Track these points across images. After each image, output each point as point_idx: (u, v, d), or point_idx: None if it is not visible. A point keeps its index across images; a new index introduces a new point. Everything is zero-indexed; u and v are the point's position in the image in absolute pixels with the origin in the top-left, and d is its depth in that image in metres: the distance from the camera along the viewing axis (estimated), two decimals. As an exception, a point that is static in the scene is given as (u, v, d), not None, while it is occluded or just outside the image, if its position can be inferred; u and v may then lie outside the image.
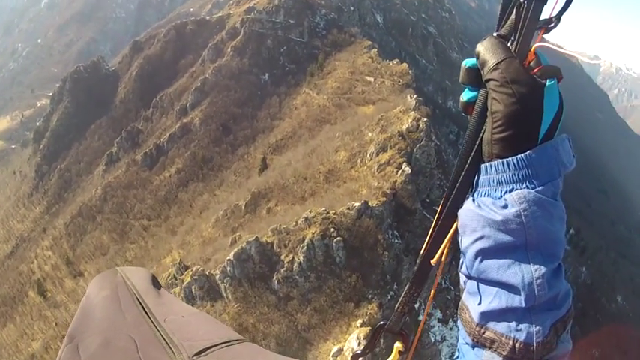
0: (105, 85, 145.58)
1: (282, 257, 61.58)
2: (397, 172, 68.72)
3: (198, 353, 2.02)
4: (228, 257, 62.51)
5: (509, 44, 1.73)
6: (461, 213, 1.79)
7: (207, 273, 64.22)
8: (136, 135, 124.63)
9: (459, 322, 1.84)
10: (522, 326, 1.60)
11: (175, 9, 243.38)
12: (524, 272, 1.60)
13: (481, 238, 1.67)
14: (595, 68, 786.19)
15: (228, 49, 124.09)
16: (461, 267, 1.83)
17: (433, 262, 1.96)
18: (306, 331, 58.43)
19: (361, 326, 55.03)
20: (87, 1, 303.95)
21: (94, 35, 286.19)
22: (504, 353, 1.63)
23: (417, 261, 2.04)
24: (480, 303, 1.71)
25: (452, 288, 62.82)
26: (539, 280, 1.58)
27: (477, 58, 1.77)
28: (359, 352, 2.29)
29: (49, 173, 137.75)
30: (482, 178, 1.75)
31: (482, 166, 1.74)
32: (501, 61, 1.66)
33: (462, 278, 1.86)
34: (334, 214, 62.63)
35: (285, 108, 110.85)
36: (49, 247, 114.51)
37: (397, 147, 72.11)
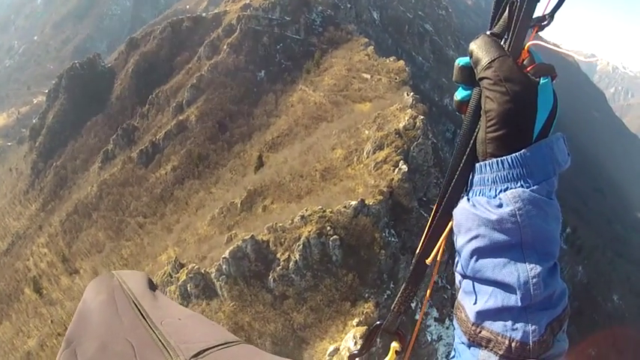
0: (101, 82, 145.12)
1: (278, 256, 61.27)
2: (394, 170, 68.47)
3: (195, 356, 2.01)
4: (223, 255, 62.23)
5: (502, 42, 1.73)
6: (456, 212, 1.79)
7: (202, 271, 63.92)
8: (131, 132, 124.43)
9: (454, 322, 1.86)
10: (518, 325, 1.60)
11: (171, 6, 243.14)
12: (519, 271, 1.60)
13: (476, 237, 1.68)
14: (592, 67, 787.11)
15: (225, 46, 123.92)
16: (456, 266, 1.85)
17: (429, 261, 1.98)
18: (302, 330, 58.19)
19: (357, 325, 54.79)
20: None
21: (90, 32, 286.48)
22: (500, 352, 1.63)
23: (413, 260, 2.07)
24: (475, 302, 1.72)
25: (448, 287, 62.68)
26: (534, 280, 1.59)
27: (471, 57, 1.77)
28: (355, 352, 2.28)
29: (45, 170, 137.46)
30: (476, 177, 1.75)
31: (477, 165, 1.75)
32: (495, 59, 1.66)
33: (458, 278, 1.87)
34: (330, 212, 62.36)
35: (281, 105, 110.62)
36: (45, 245, 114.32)
37: (394, 145, 71.82)
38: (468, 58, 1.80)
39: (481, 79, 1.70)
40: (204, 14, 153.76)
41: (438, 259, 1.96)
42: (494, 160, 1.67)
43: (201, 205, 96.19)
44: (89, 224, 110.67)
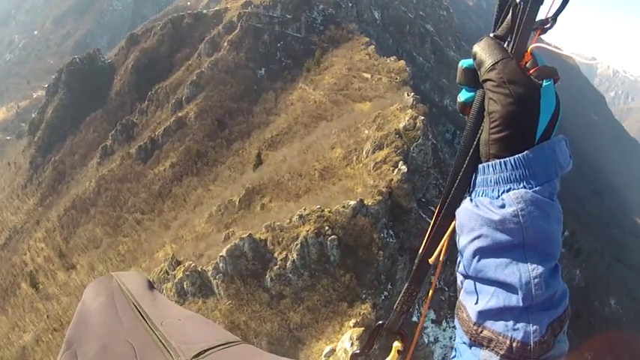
0: (101, 77, 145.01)
1: (275, 255, 61.10)
2: (393, 170, 68.26)
3: (197, 356, 2.03)
4: (221, 254, 62.04)
5: (505, 45, 1.75)
6: (459, 212, 1.81)
7: (199, 269, 63.70)
8: (130, 128, 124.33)
9: (456, 322, 1.87)
10: (520, 325, 1.61)
11: (172, 2, 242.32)
12: (521, 272, 1.61)
13: (479, 237, 1.69)
14: (592, 70, 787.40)
15: (225, 43, 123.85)
16: (458, 266, 1.85)
17: (431, 261, 1.99)
18: (299, 330, 58.01)
19: (354, 326, 54.62)
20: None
21: (90, 27, 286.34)
22: (502, 352, 1.63)
23: (416, 260, 2.06)
24: (477, 302, 1.73)
25: (446, 289, 62.53)
26: (536, 280, 1.60)
27: (474, 59, 1.78)
28: (358, 351, 2.28)
29: (44, 165, 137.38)
30: (479, 178, 1.76)
31: (480, 166, 1.76)
32: (498, 61, 1.68)
33: (459, 278, 1.88)
34: (329, 212, 62.18)
35: (281, 103, 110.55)
36: (42, 239, 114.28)
37: (393, 145, 71.61)
38: (471, 60, 1.82)
39: (485, 80, 1.71)
40: (205, 11, 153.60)
41: (441, 259, 1.98)
42: (497, 161, 1.68)
43: (199, 203, 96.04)
44: (87, 220, 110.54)
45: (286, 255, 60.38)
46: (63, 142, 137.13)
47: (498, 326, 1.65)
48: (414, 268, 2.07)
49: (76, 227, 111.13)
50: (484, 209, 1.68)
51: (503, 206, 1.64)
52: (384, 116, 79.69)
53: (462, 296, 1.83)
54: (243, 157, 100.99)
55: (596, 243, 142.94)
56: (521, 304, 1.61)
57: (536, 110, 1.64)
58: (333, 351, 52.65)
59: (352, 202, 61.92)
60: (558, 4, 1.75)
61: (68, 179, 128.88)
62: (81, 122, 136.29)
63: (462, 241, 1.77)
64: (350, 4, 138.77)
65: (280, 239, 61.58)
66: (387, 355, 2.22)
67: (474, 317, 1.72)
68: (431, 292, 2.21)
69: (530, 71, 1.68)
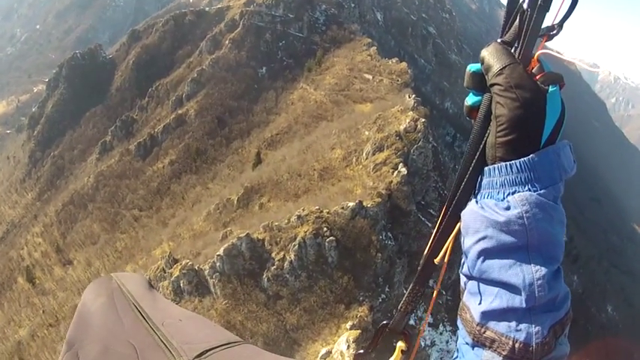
0: (101, 72, 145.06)
1: (273, 255, 60.82)
2: (393, 172, 68.05)
3: (199, 356, 2.05)
4: (218, 253, 61.77)
5: (512, 50, 1.77)
6: (464, 214, 1.83)
7: (196, 268, 63.43)
8: (130, 124, 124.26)
9: (459, 322, 1.87)
10: (522, 326, 1.63)
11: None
12: (525, 273, 1.63)
13: (484, 238, 1.71)
14: (593, 76, 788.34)
15: (227, 42, 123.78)
16: (462, 268, 1.88)
17: (437, 260, 2.01)
18: (295, 331, 57.77)
19: (351, 329, 54.32)
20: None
21: (92, 23, 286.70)
22: (504, 353, 1.65)
23: (421, 261, 2.09)
24: (480, 303, 1.75)
25: (443, 292, 62.36)
26: (539, 281, 1.61)
27: (482, 63, 1.81)
28: (361, 351, 2.31)
29: (43, 159, 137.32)
30: (485, 181, 1.79)
31: (486, 168, 1.79)
32: (506, 66, 1.70)
33: (463, 279, 1.90)
34: (328, 213, 61.92)
35: (281, 103, 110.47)
36: (40, 234, 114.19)
37: (394, 147, 71.43)
38: (479, 64, 1.85)
39: (492, 85, 1.74)
40: (207, 8, 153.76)
41: (446, 260, 2.00)
42: (503, 163, 1.70)
43: (197, 201, 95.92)
44: (84, 215, 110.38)
45: (284, 255, 60.10)
46: (62, 137, 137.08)
47: (501, 327, 1.67)
48: (419, 268, 2.09)
49: (73, 223, 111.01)
50: (489, 211, 1.70)
51: (508, 208, 1.66)
52: (384, 118, 79.54)
53: (466, 297, 1.85)
54: (243, 155, 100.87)
55: (594, 249, 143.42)
56: (524, 305, 1.63)
57: (542, 115, 1.66)
58: (329, 353, 52.32)
59: (351, 204, 61.67)
60: (564, 11, 1.75)
61: (67, 174, 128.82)
62: (81, 117, 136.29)
63: (466, 242, 1.79)
64: (352, 5, 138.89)
65: (278, 239, 61.34)
66: (391, 355, 2.24)
67: (477, 318, 1.73)
68: (435, 292, 2.22)
69: (537, 77, 1.70)
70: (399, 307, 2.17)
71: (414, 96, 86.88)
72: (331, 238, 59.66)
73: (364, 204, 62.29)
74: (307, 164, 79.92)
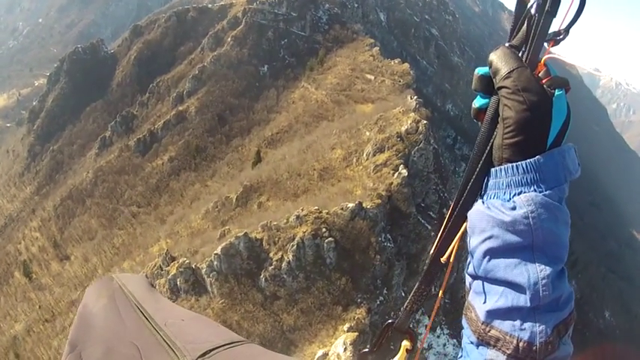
0: (103, 67, 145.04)
1: (270, 255, 60.40)
2: (393, 174, 67.75)
3: (202, 355, 2.07)
4: (215, 251, 61.36)
5: (520, 54, 1.82)
6: (471, 214, 1.86)
7: (193, 266, 63.04)
8: (130, 120, 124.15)
9: (463, 322, 1.91)
10: (526, 326, 1.66)
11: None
12: (529, 272, 1.66)
13: (490, 237, 1.74)
14: (595, 81, 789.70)
15: (229, 39, 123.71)
16: (467, 268, 1.91)
17: (443, 259, 2.03)
18: (292, 332, 57.39)
19: (348, 331, 53.96)
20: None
21: (95, 18, 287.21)
22: (508, 352, 1.68)
23: (427, 261, 2.12)
24: (485, 302, 1.78)
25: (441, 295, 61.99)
26: (544, 281, 1.65)
27: (490, 67, 1.85)
28: (366, 350, 2.34)
29: (42, 154, 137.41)
30: (491, 182, 1.83)
31: (493, 169, 1.83)
32: (513, 70, 1.75)
33: (468, 280, 1.93)
34: (327, 213, 61.53)
35: (282, 101, 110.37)
36: (37, 229, 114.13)
37: (395, 148, 71.17)
38: (487, 67, 1.89)
39: (500, 88, 1.78)
40: (210, 5, 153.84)
41: (451, 260, 2.03)
42: (510, 165, 1.75)
43: (196, 198, 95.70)
44: (82, 210, 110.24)
45: (282, 255, 59.70)
46: (62, 132, 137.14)
47: (506, 326, 1.70)
48: (425, 268, 2.11)
49: (71, 218, 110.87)
50: (495, 211, 1.74)
51: (514, 208, 1.70)
52: (386, 119, 79.25)
53: (471, 297, 1.88)
54: (243, 154, 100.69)
55: (592, 254, 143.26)
56: (528, 304, 1.66)
57: (548, 118, 1.71)
58: (325, 355, 51.97)
59: (351, 205, 61.32)
60: (570, 17, 1.80)
61: (66, 169, 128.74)
62: (81, 112, 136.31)
63: (473, 241, 1.82)
64: (356, 5, 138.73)
65: (276, 239, 60.94)
66: (396, 354, 2.26)
67: (482, 317, 1.77)
68: (441, 292, 2.18)
69: (543, 80, 1.74)
70: (404, 307, 2.19)
71: (415, 97, 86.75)
72: (330, 239, 59.30)
73: (364, 205, 61.96)
74: (307, 164, 79.63)
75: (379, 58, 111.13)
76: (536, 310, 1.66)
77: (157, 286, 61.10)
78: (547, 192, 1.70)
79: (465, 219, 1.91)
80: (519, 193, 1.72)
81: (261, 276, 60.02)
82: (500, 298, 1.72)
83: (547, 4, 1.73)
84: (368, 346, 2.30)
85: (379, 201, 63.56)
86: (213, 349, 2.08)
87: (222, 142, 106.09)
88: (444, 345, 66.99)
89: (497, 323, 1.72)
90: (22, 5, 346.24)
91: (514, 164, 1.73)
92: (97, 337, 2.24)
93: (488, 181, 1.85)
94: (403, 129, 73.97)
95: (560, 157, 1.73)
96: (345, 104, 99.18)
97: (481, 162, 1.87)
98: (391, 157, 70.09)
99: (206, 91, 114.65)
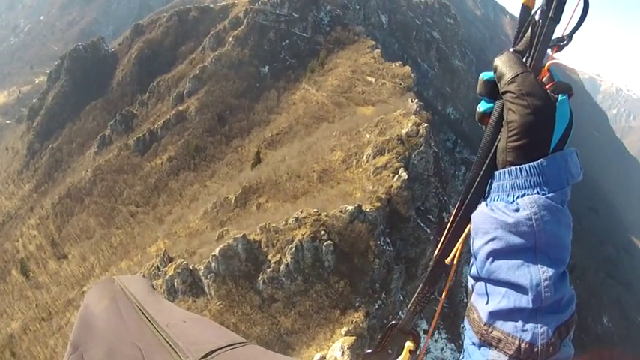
0: (103, 66, 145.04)
1: (269, 257, 60.15)
2: (393, 177, 67.57)
3: (205, 356, 2.09)
4: (213, 253, 61.12)
5: (524, 60, 1.85)
6: (474, 216, 1.89)
7: (191, 267, 62.80)
8: (130, 119, 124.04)
9: (466, 323, 1.92)
10: (528, 326, 1.68)
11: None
12: (532, 273, 1.69)
13: (493, 239, 1.77)
14: (595, 87, 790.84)
15: (230, 39, 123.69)
16: (470, 270, 1.94)
17: (448, 260, 2.06)
18: (289, 335, 57.15)
19: (346, 335, 53.76)
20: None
21: (96, 16, 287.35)
22: (510, 353, 1.70)
23: (431, 262, 2.13)
24: (487, 303, 1.80)
25: (439, 298, 61.54)
26: (546, 282, 1.67)
27: (495, 71, 1.88)
28: (370, 351, 2.35)
29: (41, 151, 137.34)
30: (495, 184, 1.85)
31: (497, 172, 1.85)
32: (518, 74, 1.78)
33: (471, 281, 1.96)
34: (326, 216, 61.30)
35: (282, 102, 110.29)
36: (35, 227, 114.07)
37: (395, 151, 70.97)
38: (491, 72, 1.92)
39: (504, 92, 1.81)
40: (211, 5, 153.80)
41: (455, 261, 2.06)
42: (513, 167, 1.77)
43: (194, 198, 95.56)
44: (81, 209, 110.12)
45: (280, 258, 59.44)
46: (61, 130, 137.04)
47: (508, 327, 1.72)
48: (429, 269, 2.13)
49: (69, 216, 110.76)
50: (499, 213, 1.77)
51: (517, 210, 1.73)
52: (386, 121, 79.09)
53: (474, 298, 1.90)
54: (242, 154, 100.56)
55: (590, 260, 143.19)
56: (530, 305, 1.68)
57: (552, 122, 1.75)
58: (323, 358, 51.76)
59: (350, 208, 61.10)
60: (574, 24, 1.84)
61: (65, 167, 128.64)
62: (81, 110, 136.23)
63: (476, 243, 1.85)
64: (358, 7, 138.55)
65: (275, 241, 60.71)
66: (400, 355, 2.26)
67: (484, 317, 1.79)
68: (444, 293, 2.25)
69: (547, 85, 1.78)
70: (407, 307, 2.21)
71: (416, 100, 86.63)
72: (329, 241, 59.06)
73: (363, 208, 61.74)
74: (307, 166, 79.39)
75: (380, 61, 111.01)
76: (538, 312, 1.68)
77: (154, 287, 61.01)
78: (550, 195, 1.72)
79: (468, 221, 1.94)
80: (522, 196, 1.74)
81: (259, 278, 59.81)
82: (502, 299, 1.74)
83: (551, 11, 1.77)
84: (368, 349, 2.30)
85: (379, 204, 63.35)
86: (216, 350, 2.10)
87: (221, 142, 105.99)
88: (442, 349, 66.85)
89: (499, 324, 1.74)
90: (23, 2, 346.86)
91: (518, 167, 1.76)
92: (99, 338, 2.25)
93: (491, 184, 1.88)
94: (404, 132, 73.79)
95: (562, 161, 1.76)
96: (346, 106, 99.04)
97: (485, 165, 1.90)
98: (391, 160, 69.89)
99: (206, 91, 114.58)
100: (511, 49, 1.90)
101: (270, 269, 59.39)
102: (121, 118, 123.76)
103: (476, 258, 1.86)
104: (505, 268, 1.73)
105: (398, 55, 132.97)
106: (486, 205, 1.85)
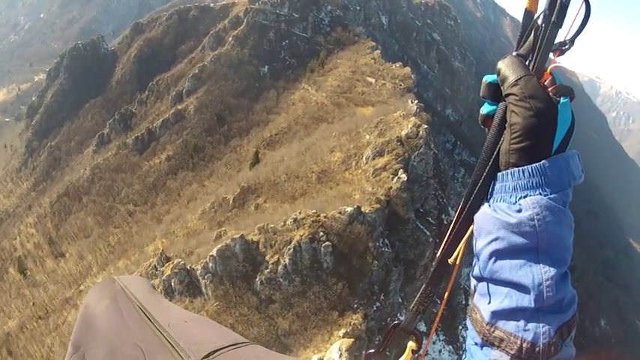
0: (102, 64, 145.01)
1: (267, 258, 59.83)
2: (393, 178, 67.30)
3: (207, 356, 2.10)
4: (211, 253, 60.79)
5: (527, 63, 1.89)
6: (477, 217, 1.92)
7: (188, 267, 62.51)
8: (129, 118, 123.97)
9: (468, 323, 1.95)
10: (530, 326, 1.69)
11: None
12: (534, 273, 1.70)
13: (496, 239, 1.79)
14: (595, 89, 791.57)
15: (230, 38, 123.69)
16: (472, 270, 1.96)
17: (451, 260, 2.08)
18: (286, 336, 56.85)
19: (344, 337, 53.39)
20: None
21: (96, 14, 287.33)
22: (512, 352, 1.71)
23: (433, 262, 2.16)
24: (490, 302, 1.82)
25: (438, 301, 61.12)
26: (548, 282, 1.68)
27: (498, 74, 1.92)
28: (372, 351, 2.37)
29: (39, 149, 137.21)
30: (498, 185, 1.89)
31: (499, 173, 1.89)
32: (521, 77, 1.82)
33: (473, 282, 1.99)
34: (325, 217, 61.01)
35: (282, 102, 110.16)
36: (33, 225, 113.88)
37: (394, 152, 70.70)
38: (495, 75, 1.96)
39: (507, 95, 1.85)
40: (212, 4, 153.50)
41: (457, 262, 2.08)
42: (516, 169, 1.81)
43: (192, 198, 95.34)
44: (79, 208, 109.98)
45: (278, 259, 59.14)
46: (60, 128, 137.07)
47: (510, 326, 1.73)
48: (432, 269, 2.14)
49: (67, 215, 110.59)
50: (502, 213, 1.79)
51: (520, 210, 1.75)
52: (386, 122, 78.90)
53: (476, 298, 1.92)
54: (241, 154, 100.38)
55: (589, 262, 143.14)
56: (532, 305, 1.69)
57: (554, 124, 1.78)
58: (320, 360, 51.61)
59: (349, 209, 60.82)
60: (576, 28, 1.89)
61: (63, 165, 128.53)
62: (80, 109, 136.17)
63: (479, 243, 1.88)
64: (358, 8, 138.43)
65: (273, 242, 60.40)
66: (402, 355, 2.28)
67: (487, 317, 1.81)
68: (446, 294, 2.26)
69: (549, 89, 1.82)
70: (410, 307, 2.21)
71: (416, 101, 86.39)
72: (327, 243, 58.77)
73: (362, 209, 61.43)
74: (306, 166, 79.16)
75: (380, 62, 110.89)
76: (540, 312, 1.69)
77: (151, 287, 60.74)
78: (552, 196, 1.75)
79: (471, 222, 1.96)
80: (525, 197, 1.77)
81: (257, 279, 59.49)
82: (504, 299, 1.76)
83: (553, 16, 1.81)
84: (371, 350, 2.32)
85: (378, 205, 63.05)
86: (218, 350, 2.11)
87: (220, 142, 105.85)
88: (440, 351, 66.61)
89: (501, 324, 1.75)
90: (24, 0, 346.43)
91: (520, 168, 1.79)
92: (100, 338, 2.26)
93: (494, 185, 1.91)
94: (403, 133, 73.59)
95: (564, 163, 1.79)
96: (345, 107, 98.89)
97: (488, 166, 1.92)
98: (391, 162, 69.63)
99: (205, 91, 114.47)
100: (514, 53, 1.93)
101: (268, 270, 59.09)
102: (120, 117, 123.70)
103: (478, 258, 1.88)
104: (507, 268, 1.75)
105: (398, 56, 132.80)
106: (489, 205, 1.87)
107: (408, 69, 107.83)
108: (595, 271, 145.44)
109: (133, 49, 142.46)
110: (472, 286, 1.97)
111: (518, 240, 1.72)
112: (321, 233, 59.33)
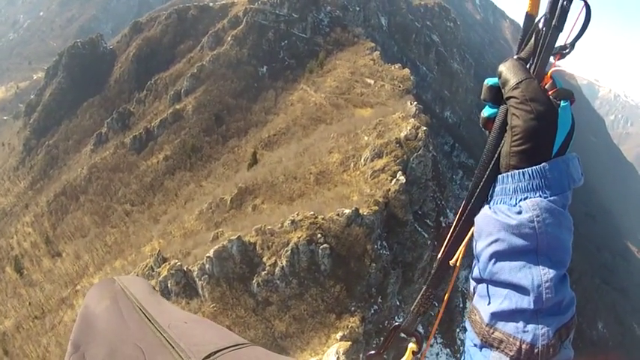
0: (101, 63, 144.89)
1: (264, 259, 59.45)
2: (391, 180, 66.98)
3: (207, 357, 2.10)
4: (208, 254, 60.41)
5: (528, 66, 1.91)
6: (478, 218, 1.94)
7: (184, 269, 62.14)
8: (127, 117, 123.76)
9: (467, 325, 1.96)
10: (529, 328, 1.71)
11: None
12: (534, 275, 1.72)
13: (496, 241, 1.81)
14: (593, 92, 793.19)
15: (229, 38, 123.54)
16: (472, 272, 1.98)
17: (452, 262, 2.09)
18: (283, 339, 56.53)
19: (341, 340, 53.01)
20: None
21: (96, 13, 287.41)
22: (511, 354, 1.73)
23: (434, 264, 2.16)
24: (489, 304, 1.84)
25: (436, 304, 60.81)
26: (547, 284, 1.70)
27: (499, 78, 1.94)
28: (372, 352, 2.39)
29: (37, 148, 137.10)
30: (498, 188, 1.90)
31: (500, 176, 1.90)
32: (522, 81, 1.84)
33: (472, 284, 2.01)
34: (322, 219, 60.63)
35: (280, 103, 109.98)
36: (30, 224, 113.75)
37: (393, 154, 70.40)
38: (496, 78, 1.98)
39: (508, 98, 1.87)
40: (211, 4, 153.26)
41: (458, 264, 2.09)
42: (517, 171, 1.83)
43: (190, 198, 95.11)
44: (76, 207, 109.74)
45: (275, 261, 58.76)
46: (58, 127, 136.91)
47: (509, 328, 1.75)
48: (433, 271, 2.15)
49: (64, 214, 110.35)
50: (502, 215, 1.81)
51: (520, 212, 1.77)
52: (385, 124, 78.64)
53: (475, 300, 1.94)
54: (239, 155, 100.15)
55: (586, 265, 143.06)
56: (532, 306, 1.71)
57: (554, 127, 1.80)
58: (317, 363, 51.35)
59: (347, 211, 60.44)
60: (576, 32, 1.89)
61: (60, 164, 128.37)
62: (78, 107, 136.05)
63: (479, 245, 1.90)
64: (357, 8, 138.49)
65: (270, 244, 60.03)
66: (403, 356, 2.28)
67: (486, 319, 1.82)
68: (447, 295, 2.24)
69: (550, 92, 1.83)
70: (411, 309, 2.23)
71: (415, 103, 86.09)
72: (325, 245, 58.40)
73: (360, 211, 61.08)
74: (304, 167, 78.85)
75: (379, 63, 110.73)
76: (539, 313, 1.70)
77: (148, 288, 60.45)
78: (552, 198, 1.76)
79: (472, 224, 1.97)
80: (525, 199, 1.78)
81: (254, 281, 59.09)
82: (504, 300, 1.77)
83: (554, 20, 1.82)
84: (371, 351, 2.34)
85: (376, 207, 62.72)
86: (218, 351, 2.10)
87: (218, 142, 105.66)
88: (437, 354, 66.39)
89: (500, 325, 1.77)
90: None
91: (521, 170, 1.81)
92: (100, 338, 2.26)
93: (494, 187, 1.92)
94: (402, 135, 73.34)
95: (564, 165, 1.81)
96: (344, 108, 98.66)
97: (489, 169, 1.94)
98: (389, 163, 69.34)
99: (204, 91, 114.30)
100: (515, 56, 1.95)
101: (265, 272, 58.70)
102: (118, 116, 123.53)
103: (478, 260, 1.90)
104: (507, 269, 1.77)
105: (397, 57, 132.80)
106: (489, 207, 1.89)
107: (407, 70, 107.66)
108: (592, 274, 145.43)
109: (131, 48, 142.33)
110: (471, 288, 1.99)
111: (518, 242, 1.74)
112: (319, 235, 58.96)
